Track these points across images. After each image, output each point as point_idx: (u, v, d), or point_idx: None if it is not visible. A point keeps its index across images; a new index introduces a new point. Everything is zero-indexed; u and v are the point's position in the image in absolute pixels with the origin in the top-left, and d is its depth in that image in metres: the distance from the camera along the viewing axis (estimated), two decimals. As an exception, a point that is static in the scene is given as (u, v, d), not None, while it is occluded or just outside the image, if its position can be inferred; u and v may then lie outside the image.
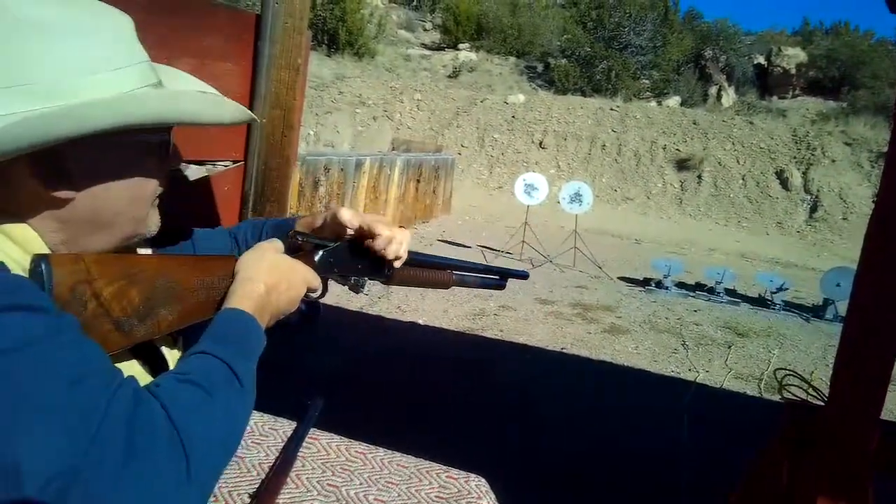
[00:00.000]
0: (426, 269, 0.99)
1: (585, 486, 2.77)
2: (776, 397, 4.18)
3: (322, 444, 1.66)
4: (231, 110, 0.74)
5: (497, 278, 1.07)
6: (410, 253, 0.94)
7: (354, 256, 0.91)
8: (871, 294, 1.28)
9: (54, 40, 0.59)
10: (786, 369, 1.79)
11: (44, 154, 0.58)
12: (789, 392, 1.81)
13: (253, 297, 0.72)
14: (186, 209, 1.27)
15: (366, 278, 0.93)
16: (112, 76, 0.62)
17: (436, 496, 1.60)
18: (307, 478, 1.54)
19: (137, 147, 0.67)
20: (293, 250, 0.86)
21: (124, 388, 0.53)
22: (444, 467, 1.73)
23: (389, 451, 1.78)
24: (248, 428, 0.74)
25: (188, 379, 0.59)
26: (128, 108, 0.61)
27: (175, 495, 0.51)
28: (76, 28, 0.61)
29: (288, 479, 1.51)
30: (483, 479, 1.70)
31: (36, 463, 0.46)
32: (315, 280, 0.84)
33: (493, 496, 1.68)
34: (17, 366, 0.48)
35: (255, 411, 1.39)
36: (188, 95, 0.72)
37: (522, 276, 1.10)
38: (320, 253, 0.88)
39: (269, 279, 0.74)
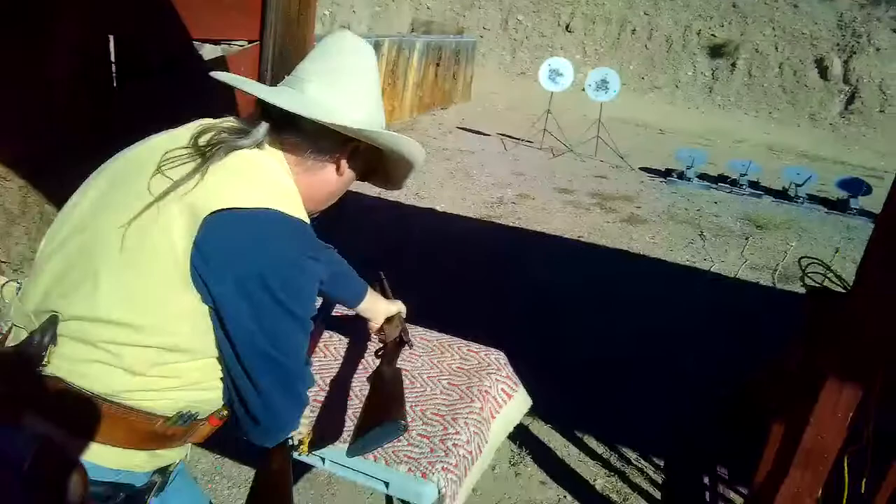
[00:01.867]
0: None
1: (601, 373, 2.88)
2: (789, 287, 4.23)
3: (349, 319, 1.72)
4: (418, 151, 0.99)
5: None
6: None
7: None
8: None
9: (369, 81, 0.93)
10: (810, 257, 1.79)
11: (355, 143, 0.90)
12: (812, 280, 1.81)
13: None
14: (203, 87, 1.24)
15: None
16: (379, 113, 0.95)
17: (457, 367, 1.67)
18: (335, 348, 1.61)
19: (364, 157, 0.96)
20: None
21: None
22: (466, 342, 1.79)
23: (414, 326, 1.85)
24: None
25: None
26: (395, 139, 0.92)
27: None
28: (375, 77, 0.94)
29: (316, 349, 1.58)
30: (502, 353, 1.76)
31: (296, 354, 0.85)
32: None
33: (511, 369, 1.75)
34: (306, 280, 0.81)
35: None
36: (405, 140, 0.95)
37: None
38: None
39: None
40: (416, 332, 1.79)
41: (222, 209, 0.74)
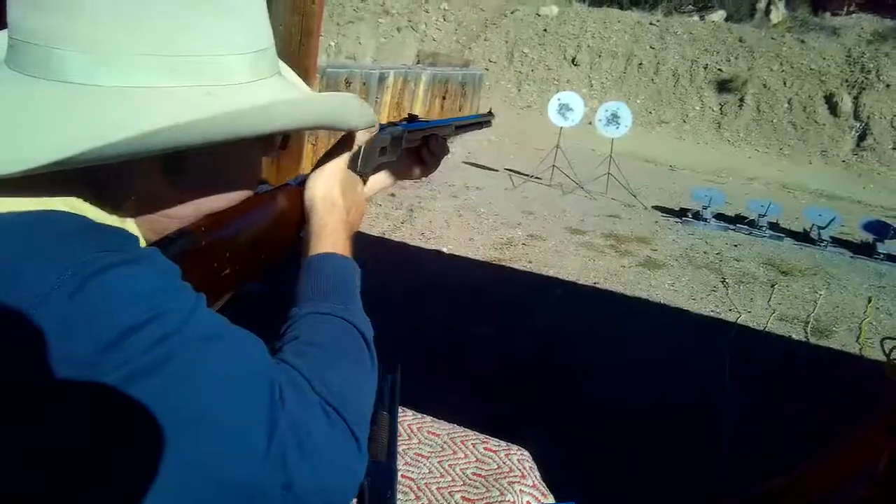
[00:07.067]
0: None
1: (624, 438, 2.57)
2: (823, 342, 3.92)
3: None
4: (368, 117, 0.67)
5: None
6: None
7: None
8: None
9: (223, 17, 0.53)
10: (893, 338, 1.50)
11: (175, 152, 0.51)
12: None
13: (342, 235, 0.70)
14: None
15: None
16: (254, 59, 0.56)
17: (472, 473, 1.37)
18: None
19: (256, 152, 0.62)
20: None
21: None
22: (482, 436, 1.49)
23: (418, 416, 1.54)
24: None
25: (313, 343, 0.57)
26: (289, 113, 0.55)
27: (352, 456, 0.53)
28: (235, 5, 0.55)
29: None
30: (526, 452, 1.46)
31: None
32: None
33: (537, 473, 1.44)
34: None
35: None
36: (341, 100, 0.62)
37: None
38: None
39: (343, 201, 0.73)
40: (424, 424, 1.50)
41: None
